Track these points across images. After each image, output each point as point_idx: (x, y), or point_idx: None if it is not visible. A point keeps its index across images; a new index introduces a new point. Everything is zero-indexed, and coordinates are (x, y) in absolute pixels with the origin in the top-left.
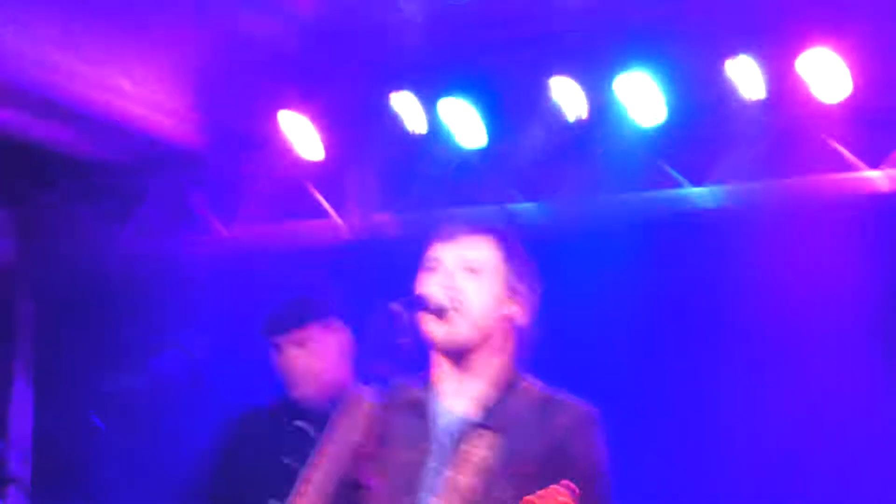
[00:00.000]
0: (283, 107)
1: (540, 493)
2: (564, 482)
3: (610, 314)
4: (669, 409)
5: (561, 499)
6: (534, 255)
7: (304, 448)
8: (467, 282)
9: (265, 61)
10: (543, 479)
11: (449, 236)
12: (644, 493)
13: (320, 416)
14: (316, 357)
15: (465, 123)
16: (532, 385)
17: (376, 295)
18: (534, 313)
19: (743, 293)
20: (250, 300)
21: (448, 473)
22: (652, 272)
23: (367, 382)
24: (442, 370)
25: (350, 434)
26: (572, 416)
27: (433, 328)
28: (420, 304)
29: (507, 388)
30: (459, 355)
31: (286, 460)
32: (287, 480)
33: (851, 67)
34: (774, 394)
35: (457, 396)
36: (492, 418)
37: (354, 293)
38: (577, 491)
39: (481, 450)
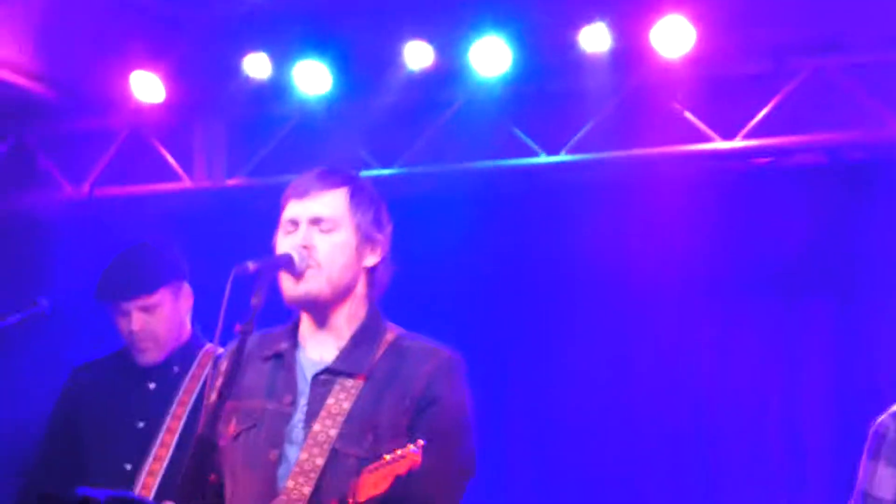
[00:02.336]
0: (134, 65)
1: (389, 457)
2: (419, 442)
3: (459, 282)
4: (509, 362)
5: (406, 464)
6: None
7: (155, 410)
8: (321, 238)
9: (117, 18)
10: (404, 427)
11: (301, 193)
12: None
13: (170, 376)
14: (163, 321)
15: (317, 85)
16: (394, 332)
17: (230, 255)
18: (388, 257)
19: (589, 261)
20: (101, 261)
21: (311, 424)
22: (502, 240)
23: (222, 342)
24: (304, 323)
25: (203, 393)
26: (435, 363)
27: (291, 287)
28: (277, 264)
29: (369, 338)
30: (319, 310)
31: (140, 424)
32: (141, 444)
33: (703, 36)
34: (616, 359)
35: (319, 347)
36: (353, 368)
37: (207, 254)
38: (422, 447)
39: (343, 400)
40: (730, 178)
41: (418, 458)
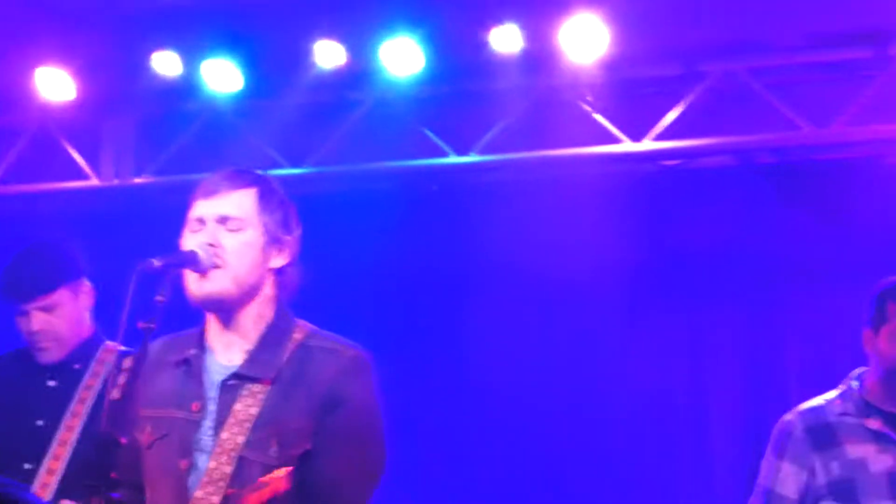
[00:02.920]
0: (41, 61)
1: (262, 479)
2: (287, 469)
3: (369, 282)
4: (419, 363)
5: (269, 491)
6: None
7: (55, 408)
8: (228, 237)
9: (24, 13)
10: (309, 431)
11: (209, 192)
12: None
13: (70, 374)
14: (64, 320)
15: (227, 84)
16: (304, 331)
17: (138, 254)
18: (297, 259)
19: (499, 261)
20: (3, 259)
21: (219, 432)
22: (412, 241)
23: (125, 340)
24: (211, 326)
25: (105, 390)
26: (340, 362)
27: (196, 286)
28: (182, 261)
29: (276, 340)
30: (225, 311)
31: (39, 422)
32: (40, 443)
33: (614, 39)
34: (527, 357)
35: (226, 351)
36: (260, 373)
37: (115, 252)
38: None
39: (250, 406)
40: (639, 179)
41: (282, 485)
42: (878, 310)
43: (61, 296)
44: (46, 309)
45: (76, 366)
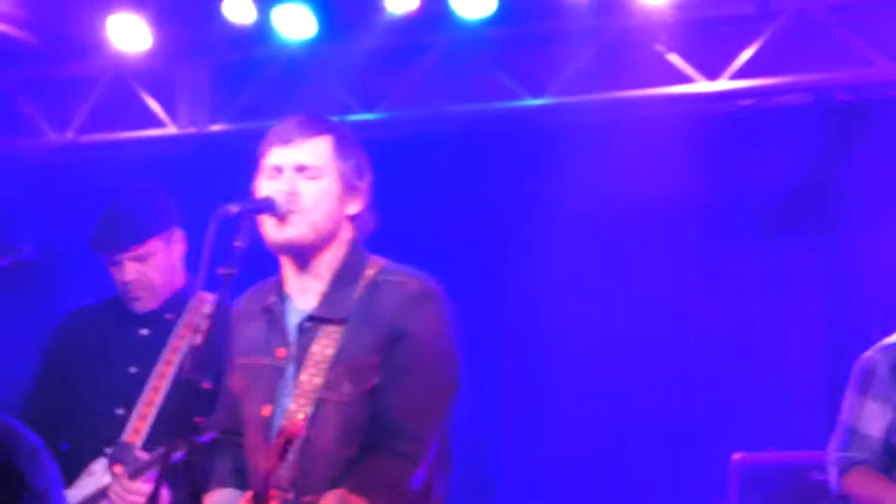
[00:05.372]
0: (114, 9)
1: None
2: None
3: (443, 226)
4: (496, 306)
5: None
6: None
7: (148, 356)
8: (305, 184)
9: None
10: (377, 365)
11: (285, 140)
12: None
13: (162, 323)
14: (157, 270)
15: (299, 30)
16: (377, 266)
17: (214, 200)
18: (371, 205)
19: (573, 203)
20: (85, 208)
21: (299, 374)
22: (486, 184)
23: (209, 287)
24: (288, 272)
25: (193, 339)
26: (404, 293)
27: (274, 232)
28: (260, 207)
29: (350, 279)
30: (302, 256)
31: (132, 369)
32: (133, 389)
33: None
34: (603, 299)
35: (303, 295)
36: (334, 313)
37: (191, 199)
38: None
39: (325, 346)
40: (714, 119)
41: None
42: None
43: (154, 245)
44: (139, 259)
45: (168, 315)
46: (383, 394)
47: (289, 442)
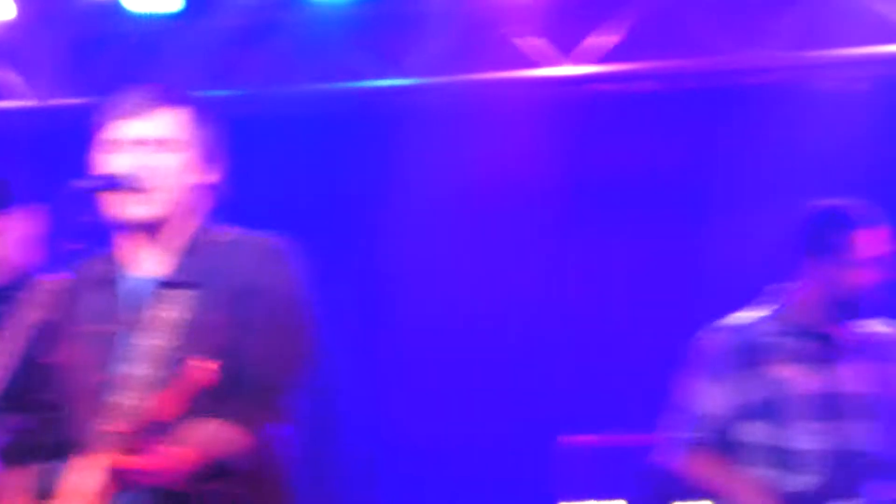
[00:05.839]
0: None
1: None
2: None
3: (296, 203)
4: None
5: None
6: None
7: None
8: (156, 156)
9: None
10: (231, 325)
11: (134, 112)
12: None
13: (11, 301)
14: (4, 247)
15: (156, 4)
16: (228, 235)
17: (67, 174)
18: (223, 180)
19: (424, 184)
20: None
21: (139, 339)
22: (339, 163)
23: (55, 262)
24: (131, 243)
25: (32, 314)
26: (254, 252)
27: (122, 207)
28: (111, 182)
29: (203, 246)
30: (153, 228)
31: None
32: None
33: None
34: (450, 280)
35: (147, 263)
36: (182, 275)
37: (45, 173)
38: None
39: (172, 309)
40: (566, 104)
41: (207, 377)
42: (822, 238)
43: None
44: None
45: (17, 293)
46: (236, 353)
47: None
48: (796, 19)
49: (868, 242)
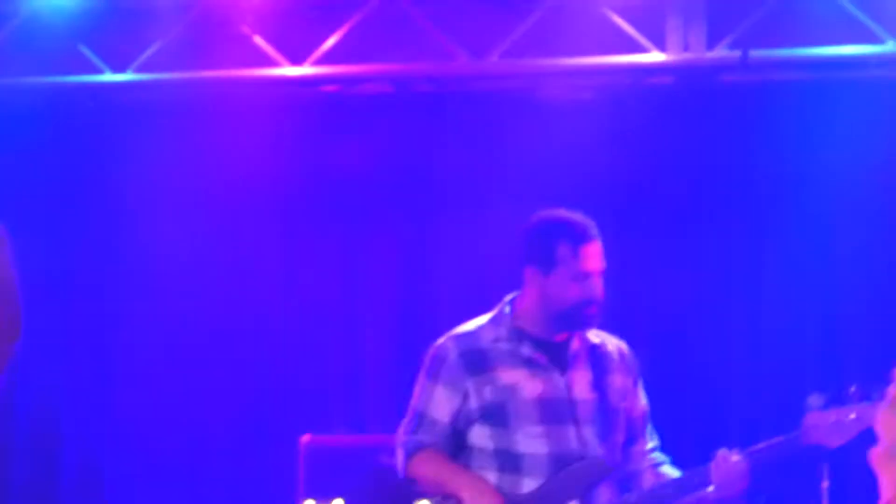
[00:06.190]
0: None
1: None
2: None
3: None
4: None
5: None
6: None
7: None
8: None
9: None
10: None
11: None
12: None
13: None
14: None
15: None
16: None
17: None
18: None
19: (158, 187)
20: None
21: None
22: (67, 161)
23: None
24: None
25: None
26: None
27: None
28: None
29: None
30: None
31: None
32: None
33: None
34: (180, 287)
35: None
36: None
37: None
38: None
39: None
40: (299, 104)
41: None
42: (546, 250)
43: None
44: None
45: None
46: None
47: None
48: (527, 27)
49: (589, 255)
